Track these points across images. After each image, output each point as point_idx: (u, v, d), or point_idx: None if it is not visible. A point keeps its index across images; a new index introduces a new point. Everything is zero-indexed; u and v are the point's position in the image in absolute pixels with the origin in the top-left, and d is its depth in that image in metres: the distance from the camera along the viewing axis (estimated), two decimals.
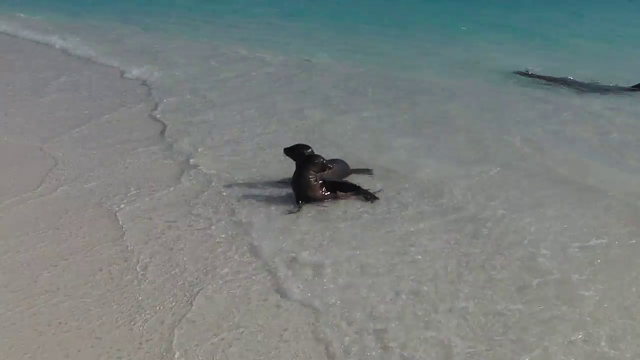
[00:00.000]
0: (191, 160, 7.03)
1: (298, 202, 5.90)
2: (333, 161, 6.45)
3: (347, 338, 3.92)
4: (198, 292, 4.40)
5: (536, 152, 7.56)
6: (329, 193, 5.98)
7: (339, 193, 6.02)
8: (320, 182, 5.94)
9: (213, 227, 5.45)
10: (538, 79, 11.63)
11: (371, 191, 6.13)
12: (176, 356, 3.73)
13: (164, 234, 5.30)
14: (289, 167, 6.17)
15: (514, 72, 12.11)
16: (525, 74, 11.97)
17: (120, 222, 5.48)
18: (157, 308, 4.20)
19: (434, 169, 6.84)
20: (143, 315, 4.12)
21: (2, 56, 13.64)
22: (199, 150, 7.41)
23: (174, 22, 18.94)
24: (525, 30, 18.22)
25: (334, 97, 10.20)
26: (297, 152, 6.06)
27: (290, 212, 5.73)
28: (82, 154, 7.25)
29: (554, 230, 5.39)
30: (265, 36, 16.53)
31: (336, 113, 9.20)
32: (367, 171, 6.76)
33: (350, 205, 5.90)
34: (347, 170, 6.63)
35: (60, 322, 4.06)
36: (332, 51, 14.09)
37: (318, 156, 5.97)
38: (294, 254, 4.94)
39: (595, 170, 6.92)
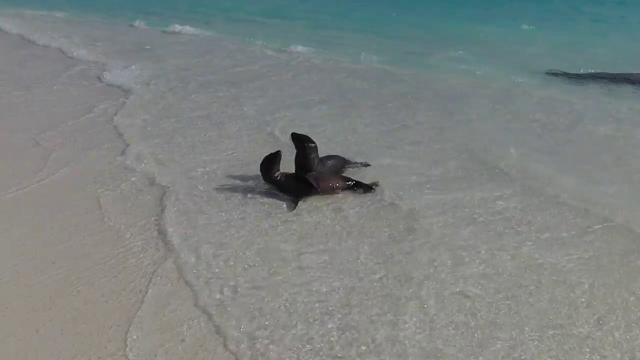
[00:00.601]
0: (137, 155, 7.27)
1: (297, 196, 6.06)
2: (330, 157, 6.63)
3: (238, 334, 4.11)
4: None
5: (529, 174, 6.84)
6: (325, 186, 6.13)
7: (334, 186, 6.16)
8: (285, 175, 6.17)
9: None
10: (570, 77, 11.32)
11: (367, 183, 6.33)
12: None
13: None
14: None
15: (546, 73, 11.80)
16: (560, 73, 11.67)
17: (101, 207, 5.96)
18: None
19: (405, 181, 6.58)
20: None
21: (9, 54, 13.98)
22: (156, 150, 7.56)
23: (171, 15, 19.17)
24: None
25: (330, 93, 10.36)
26: (297, 143, 6.30)
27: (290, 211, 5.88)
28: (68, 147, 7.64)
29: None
30: (261, 30, 16.82)
31: (323, 108, 9.38)
32: (364, 165, 6.93)
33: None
34: (343, 164, 6.79)
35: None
36: (333, 46, 14.33)
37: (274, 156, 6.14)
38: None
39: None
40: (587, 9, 21.02)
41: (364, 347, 3.99)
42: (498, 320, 4.26)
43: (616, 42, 15.41)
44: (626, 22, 18.90)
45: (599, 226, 5.57)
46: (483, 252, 5.14)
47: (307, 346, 4.00)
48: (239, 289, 4.59)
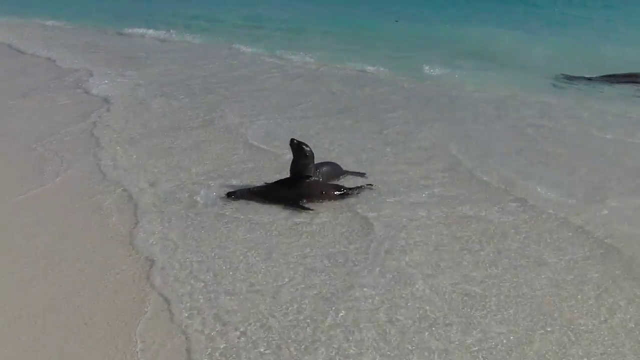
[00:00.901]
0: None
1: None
2: (324, 164, 6.69)
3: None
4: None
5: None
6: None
7: (327, 193, 6.19)
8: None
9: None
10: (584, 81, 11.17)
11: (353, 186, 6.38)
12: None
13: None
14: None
15: (560, 75, 11.66)
16: (573, 77, 11.50)
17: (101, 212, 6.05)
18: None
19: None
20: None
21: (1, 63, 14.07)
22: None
23: (160, 21, 19.30)
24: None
25: (322, 99, 10.43)
26: (295, 148, 6.31)
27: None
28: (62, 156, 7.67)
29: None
30: (250, 37, 16.98)
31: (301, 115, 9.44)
32: (360, 174, 6.93)
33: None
34: (338, 171, 6.81)
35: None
36: (324, 52, 14.41)
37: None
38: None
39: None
40: (570, 11, 21.29)
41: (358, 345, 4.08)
42: (499, 317, 4.36)
43: (605, 44, 15.55)
44: (612, 24, 19.14)
45: (599, 233, 5.59)
46: (481, 254, 5.20)
47: (302, 346, 4.08)
48: (236, 292, 4.66)
